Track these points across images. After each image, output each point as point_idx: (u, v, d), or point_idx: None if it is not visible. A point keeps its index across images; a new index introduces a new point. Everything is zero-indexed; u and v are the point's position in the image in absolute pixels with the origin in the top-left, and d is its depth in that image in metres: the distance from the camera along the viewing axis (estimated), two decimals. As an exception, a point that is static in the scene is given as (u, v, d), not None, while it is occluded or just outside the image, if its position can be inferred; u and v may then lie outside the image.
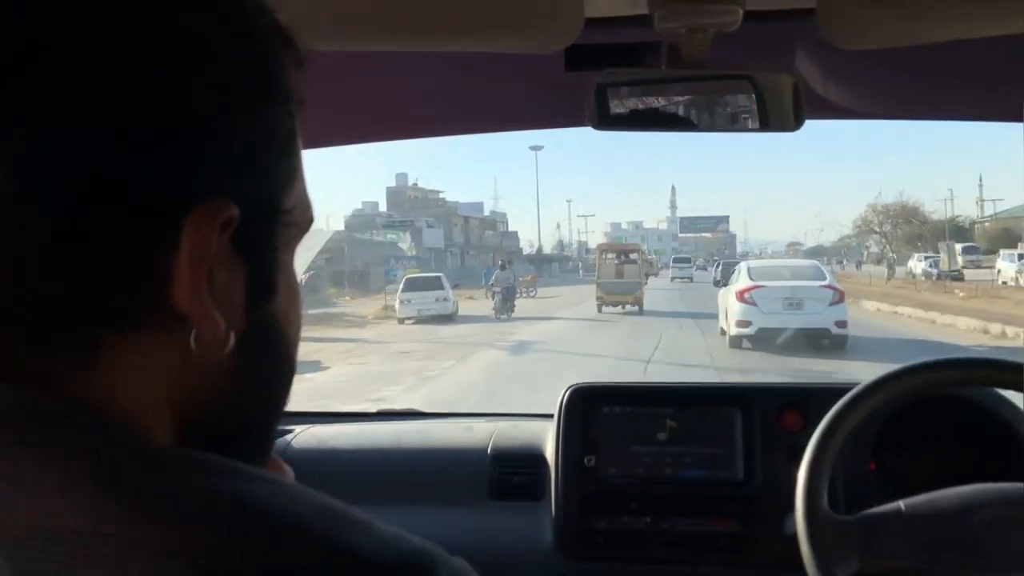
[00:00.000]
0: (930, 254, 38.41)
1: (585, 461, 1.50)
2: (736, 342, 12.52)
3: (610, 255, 22.99)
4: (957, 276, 30.99)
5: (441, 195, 59.21)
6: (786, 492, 1.14)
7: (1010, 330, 13.90)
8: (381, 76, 1.17)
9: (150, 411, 0.41)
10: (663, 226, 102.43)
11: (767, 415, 1.49)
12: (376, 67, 1.12)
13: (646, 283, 23.51)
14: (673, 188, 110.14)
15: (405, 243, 42.33)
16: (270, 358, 0.47)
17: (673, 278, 38.72)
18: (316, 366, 11.85)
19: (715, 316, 14.65)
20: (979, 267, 36.63)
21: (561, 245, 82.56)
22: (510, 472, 1.59)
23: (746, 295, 12.64)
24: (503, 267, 21.25)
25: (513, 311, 19.84)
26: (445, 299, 20.61)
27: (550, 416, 1.58)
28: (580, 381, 1.58)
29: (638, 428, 1.51)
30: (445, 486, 1.60)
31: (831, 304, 12.54)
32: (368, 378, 10.93)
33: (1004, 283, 27.98)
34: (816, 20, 0.86)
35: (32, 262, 0.38)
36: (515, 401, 7.59)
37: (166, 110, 0.39)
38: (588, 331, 16.10)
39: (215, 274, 0.41)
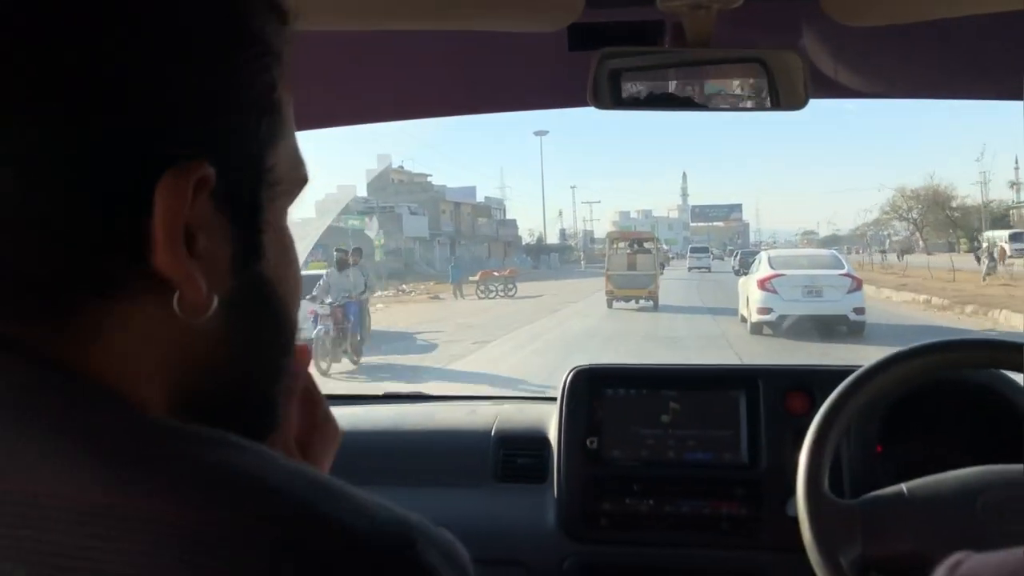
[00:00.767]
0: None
1: (588, 443, 1.50)
2: (757, 328, 12.89)
3: (621, 244, 20.94)
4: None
5: (429, 179, 51.85)
6: (791, 475, 1.14)
7: None
8: (379, 55, 1.16)
9: (142, 379, 0.41)
10: (674, 215, 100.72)
11: (773, 397, 1.48)
12: (374, 46, 1.12)
13: (662, 274, 21.17)
14: (684, 175, 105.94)
15: (372, 230, 35.72)
16: (264, 321, 0.46)
17: (691, 268, 38.48)
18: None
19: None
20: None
21: (563, 234, 76.91)
22: (514, 454, 1.60)
23: (767, 283, 13.10)
24: (341, 265, 11.35)
25: (359, 358, 10.99)
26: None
27: (554, 399, 1.58)
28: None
29: (642, 410, 1.51)
30: (449, 468, 1.60)
31: (849, 292, 12.96)
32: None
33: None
34: None
35: (6, 228, 0.38)
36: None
37: (119, 64, 0.37)
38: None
39: (196, 236, 0.40)
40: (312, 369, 0.58)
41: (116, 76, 0.37)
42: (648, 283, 18.28)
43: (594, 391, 1.53)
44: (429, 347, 12.85)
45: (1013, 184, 55.40)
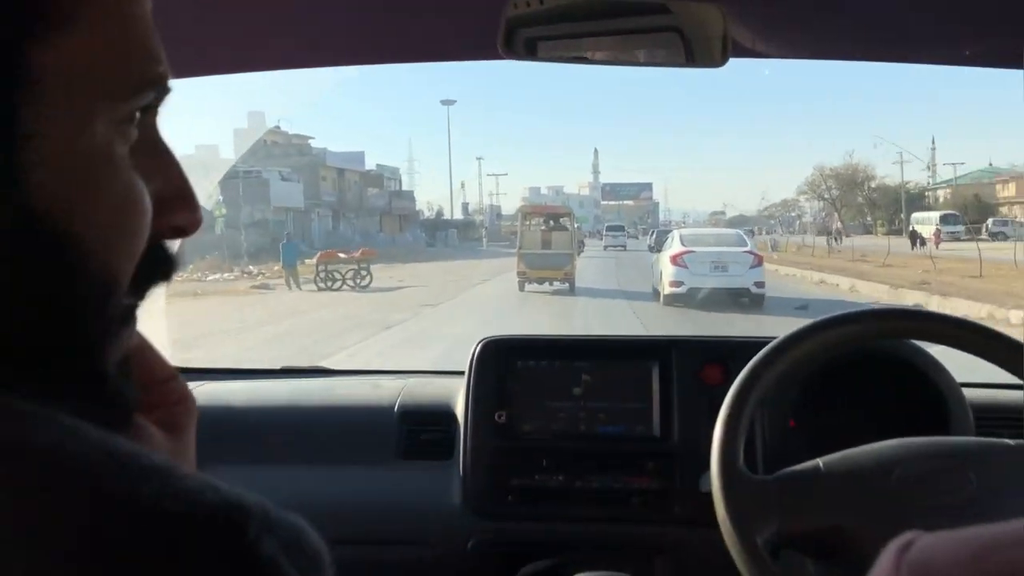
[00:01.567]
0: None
1: (497, 417, 1.45)
2: (669, 300, 14.01)
3: (535, 220, 19.20)
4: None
5: (310, 141, 43.89)
6: (705, 448, 1.10)
7: None
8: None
9: None
10: (585, 192, 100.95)
11: (687, 369, 1.45)
12: None
13: (580, 254, 19.66)
14: (596, 151, 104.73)
15: (211, 201, 29.94)
16: (38, 257, 0.37)
17: (607, 247, 38.19)
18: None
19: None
20: (959, 240, 30.36)
21: (466, 208, 67.22)
22: (418, 430, 1.53)
23: (679, 259, 14.36)
24: None
25: None
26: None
27: (462, 373, 1.51)
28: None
29: (553, 383, 1.46)
30: (350, 445, 1.53)
31: (751, 267, 14.45)
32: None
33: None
34: None
35: None
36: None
37: None
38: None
39: None
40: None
41: None
42: (565, 263, 16.83)
43: (504, 363, 1.47)
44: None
45: (930, 165, 56.14)
